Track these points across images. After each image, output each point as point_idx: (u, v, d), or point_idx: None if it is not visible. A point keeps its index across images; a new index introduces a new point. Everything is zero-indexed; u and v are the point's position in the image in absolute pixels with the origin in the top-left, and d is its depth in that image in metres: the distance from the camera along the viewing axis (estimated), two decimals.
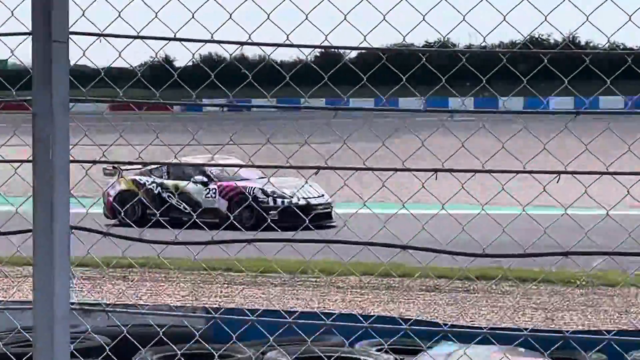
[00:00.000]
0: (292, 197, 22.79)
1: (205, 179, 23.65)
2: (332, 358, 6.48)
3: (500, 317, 12.74)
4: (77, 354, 4.99)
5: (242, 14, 4.93)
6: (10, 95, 5.42)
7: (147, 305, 9.58)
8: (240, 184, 23.47)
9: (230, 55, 5.08)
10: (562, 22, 5.36)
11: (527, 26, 5.22)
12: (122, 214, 21.91)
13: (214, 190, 23.58)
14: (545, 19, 4.73)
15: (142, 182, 24.09)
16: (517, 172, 5.00)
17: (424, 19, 4.72)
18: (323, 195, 23.05)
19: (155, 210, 21.58)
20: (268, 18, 4.76)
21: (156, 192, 23.89)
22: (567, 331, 5.85)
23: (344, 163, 6.23)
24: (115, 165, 20.32)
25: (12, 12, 4.62)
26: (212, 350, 6.01)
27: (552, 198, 5.44)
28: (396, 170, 5.06)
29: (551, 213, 5.86)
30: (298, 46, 4.88)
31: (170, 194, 23.67)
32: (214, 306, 11.77)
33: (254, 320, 5.22)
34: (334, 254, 5.55)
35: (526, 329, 6.53)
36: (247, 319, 5.37)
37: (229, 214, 21.66)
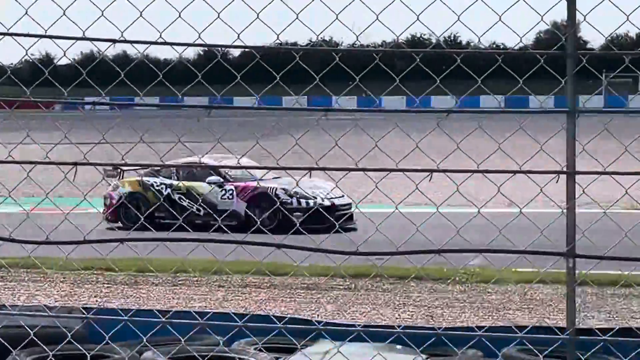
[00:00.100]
0: (316, 198, 21.47)
1: (220, 180, 22.11)
2: (206, 357, 6.45)
3: (379, 315, 12.86)
4: None
5: (115, 10, 4.89)
6: None
7: (18, 305, 9.40)
8: (262, 184, 21.72)
9: (101, 52, 5.03)
10: (441, 23, 5.46)
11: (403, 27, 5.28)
12: (125, 216, 21.33)
13: (230, 192, 21.98)
14: (418, 19, 4.80)
15: (149, 183, 22.38)
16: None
17: (297, 18, 4.75)
18: (343, 196, 21.57)
19: (171, 214, 20.16)
20: (179, 17, 4.73)
21: (165, 193, 22.12)
22: (440, 328, 5.94)
23: None
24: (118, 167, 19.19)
25: None
26: (85, 351, 5.92)
27: (425, 197, 5.52)
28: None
29: (424, 211, 5.94)
30: (171, 44, 4.85)
31: (181, 196, 22.12)
32: (92, 306, 11.61)
33: (127, 320, 5.16)
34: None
35: (399, 327, 6.60)
36: (121, 319, 5.31)
37: (252, 215, 21.05)
